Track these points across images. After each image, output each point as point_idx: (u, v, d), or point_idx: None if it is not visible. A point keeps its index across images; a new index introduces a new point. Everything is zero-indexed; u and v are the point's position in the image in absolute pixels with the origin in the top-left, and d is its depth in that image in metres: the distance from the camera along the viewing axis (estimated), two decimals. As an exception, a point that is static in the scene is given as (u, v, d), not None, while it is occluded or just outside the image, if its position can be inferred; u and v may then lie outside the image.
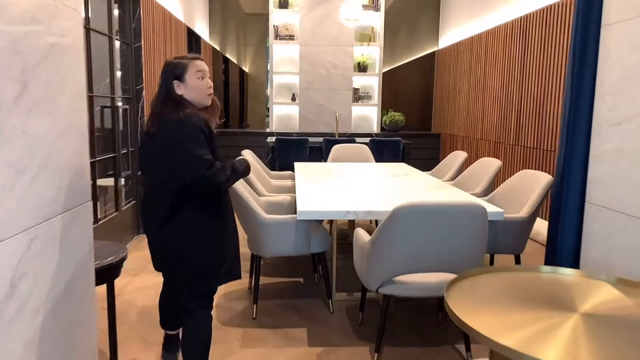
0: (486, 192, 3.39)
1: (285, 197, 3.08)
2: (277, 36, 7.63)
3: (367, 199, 2.66)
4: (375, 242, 2.03)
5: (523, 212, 2.68)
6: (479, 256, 2.06)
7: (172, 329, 2.19)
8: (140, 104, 4.31)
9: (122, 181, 4.07)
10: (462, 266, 2.06)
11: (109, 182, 3.91)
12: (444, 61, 7.67)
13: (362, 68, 7.72)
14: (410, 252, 1.98)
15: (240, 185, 2.54)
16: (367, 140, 5.89)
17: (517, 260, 2.81)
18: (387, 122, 7.72)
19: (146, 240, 2.03)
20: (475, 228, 1.97)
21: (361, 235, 2.23)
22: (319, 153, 5.66)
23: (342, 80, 7.69)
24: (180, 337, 2.06)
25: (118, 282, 3.11)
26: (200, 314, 1.89)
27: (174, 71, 1.83)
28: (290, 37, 7.63)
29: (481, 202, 2.33)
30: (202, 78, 1.85)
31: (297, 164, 4.17)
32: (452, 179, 3.97)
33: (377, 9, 7.65)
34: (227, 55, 9.95)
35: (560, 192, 2.02)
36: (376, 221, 3.79)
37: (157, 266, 2.03)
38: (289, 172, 4.36)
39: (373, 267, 2.06)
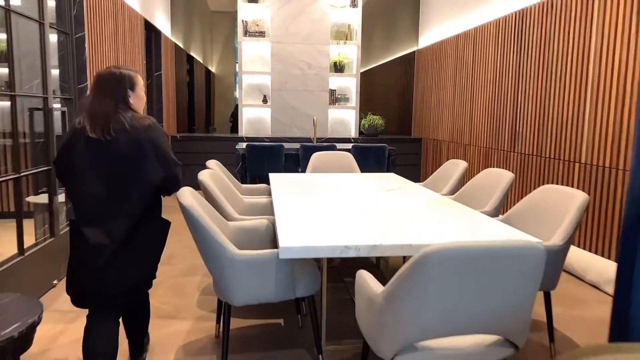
0: (497, 211, 2.89)
1: (260, 222, 2.48)
2: (247, 32, 7.00)
3: (367, 227, 2.09)
4: (392, 296, 1.47)
5: (556, 239, 2.18)
6: (528, 311, 1.52)
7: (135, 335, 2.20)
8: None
9: (60, 198, 3.36)
10: (508, 326, 1.51)
11: (44, 199, 3.21)
12: (424, 61, 7.23)
13: (338, 68, 7.18)
14: (442, 310, 1.42)
15: (199, 209, 1.93)
16: (348, 146, 5.35)
17: (548, 299, 2.31)
18: (366, 126, 7.20)
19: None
20: (528, 274, 1.44)
21: (368, 282, 1.66)
22: (295, 161, 5.07)
23: (318, 80, 7.13)
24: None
25: (46, 334, 2.45)
26: (147, 295, 2.18)
27: (129, 80, 1.93)
28: (261, 34, 7.02)
29: (532, 238, 1.80)
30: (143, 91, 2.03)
31: (272, 176, 3.58)
32: (452, 192, 3.47)
33: (354, 5, 7.13)
34: (192, 54, 9.23)
35: (637, 226, 1.51)
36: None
37: (92, 285, 1.85)
38: (263, 186, 3.76)
39: (388, 330, 1.49)
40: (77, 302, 1.91)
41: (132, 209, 1.83)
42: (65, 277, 1.94)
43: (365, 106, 7.59)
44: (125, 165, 1.82)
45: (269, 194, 3.72)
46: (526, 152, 4.42)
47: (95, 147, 1.80)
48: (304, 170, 4.77)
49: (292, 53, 7.04)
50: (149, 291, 2.19)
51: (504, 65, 4.80)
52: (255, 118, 7.27)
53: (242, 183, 4.93)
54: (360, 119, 7.38)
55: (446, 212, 2.44)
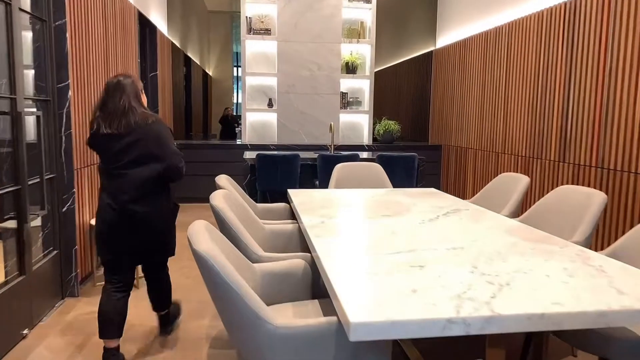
0: (588, 241, 2.30)
1: (295, 264, 1.86)
2: (251, 30, 6.39)
3: (460, 280, 1.48)
4: None
5: None
6: None
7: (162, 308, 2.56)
8: (65, 110, 2.98)
9: (34, 222, 2.72)
10: None
11: (12, 225, 2.57)
12: (443, 61, 6.65)
13: (350, 69, 6.59)
14: None
15: (222, 259, 1.32)
16: (364, 154, 4.74)
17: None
18: (381, 132, 6.61)
19: (78, 305, 2.70)
20: None
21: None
22: (311, 173, 4.46)
23: (328, 82, 6.53)
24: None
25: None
26: (166, 267, 2.51)
27: (138, 83, 2.30)
28: (267, 32, 6.41)
29: None
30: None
31: (292, 194, 2.96)
32: (516, 213, 2.87)
33: (367, 1, 6.55)
34: (189, 55, 8.61)
35: None
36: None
37: (113, 254, 2.24)
38: (282, 206, 3.14)
39: None
40: (106, 263, 2.27)
41: (139, 189, 2.18)
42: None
43: (376, 110, 7.02)
44: (131, 154, 2.15)
45: (291, 216, 3.10)
46: (580, 163, 3.84)
47: (113, 141, 2.15)
48: (321, 183, 4.15)
49: (301, 53, 6.44)
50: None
51: (550, 62, 4.22)
52: (260, 123, 6.66)
53: (251, 197, 4.32)
54: (374, 124, 6.78)
55: (546, 249, 1.83)
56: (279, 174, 4.09)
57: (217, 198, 2.07)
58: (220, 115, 10.41)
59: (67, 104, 2.98)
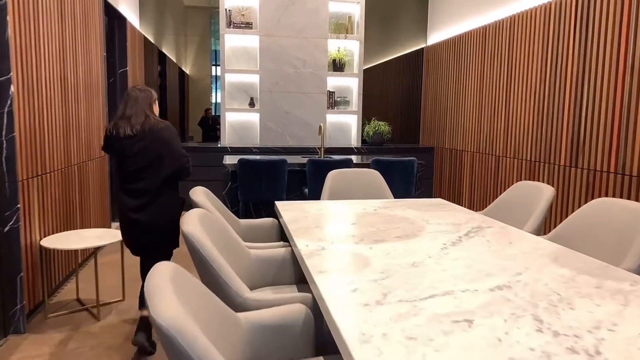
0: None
1: (294, 311, 1.42)
2: (231, 23, 5.92)
3: (526, 340, 1.08)
4: None
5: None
6: None
7: None
8: (7, 109, 2.47)
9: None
10: None
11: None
12: (436, 59, 6.29)
13: (338, 66, 6.17)
14: None
15: (184, 324, 0.87)
16: (353, 157, 4.32)
17: None
18: (371, 133, 6.21)
19: (23, 344, 2.41)
20: None
21: None
22: (299, 180, 4.03)
23: (314, 80, 6.10)
24: None
25: None
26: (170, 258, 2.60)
27: (154, 95, 2.62)
28: (248, 25, 5.95)
29: None
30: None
31: (281, 208, 2.51)
32: (540, 228, 2.48)
33: (356, -7, 6.14)
34: (165, 51, 8.07)
35: None
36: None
37: (133, 240, 2.57)
38: (269, 221, 2.69)
39: None
40: (132, 250, 2.62)
41: (151, 185, 2.47)
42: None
43: (363, 110, 6.62)
44: (145, 156, 2.46)
45: (280, 234, 2.66)
46: (596, 168, 3.49)
47: (131, 143, 2.45)
48: (311, 192, 3.71)
49: (285, 48, 5.99)
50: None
51: (560, 58, 3.87)
52: (241, 124, 6.18)
53: (232, 208, 3.85)
54: (363, 125, 6.38)
55: (616, 288, 1.44)
56: (263, 182, 3.64)
57: (191, 222, 1.61)
58: (200, 117, 9.88)
59: (9, 102, 2.47)
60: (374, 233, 2.05)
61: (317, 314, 1.54)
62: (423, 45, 6.71)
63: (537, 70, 4.16)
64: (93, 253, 3.45)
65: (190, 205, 2.24)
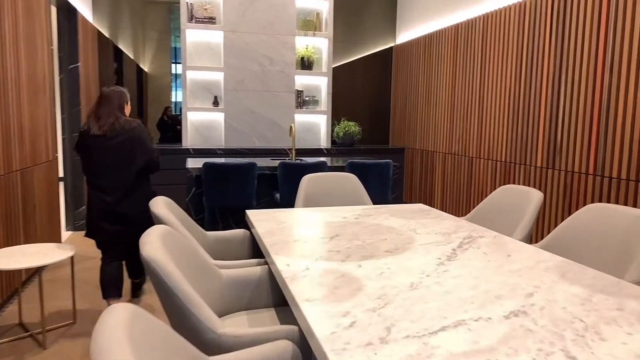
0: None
1: (279, 349, 1.19)
2: (192, 18, 5.59)
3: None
4: None
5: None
6: None
7: (136, 277, 3.10)
8: None
9: None
10: None
11: None
12: (405, 59, 6.18)
13: (306, 64, 5.95)
14: None
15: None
16: (322, 159, 4.12)
17: None
18: (341, 134, 6.02)
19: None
20: None
21: None
22: (269, 185, 3.79)
23: (282, 79, 5.85)
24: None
25: None
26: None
27: (126, 96, 2.88)
28: (211, 20, 5.63)
29: None
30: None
31: (253, 217, 2.28)
32: (529, 236, 2.35)
33: (324, -11, 5.94)
34: (121, 47, 7.60)
35: None
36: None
37: (105, 232, 2.73)
38: (240, 233, 2.44)
39: None
40: (100, 244, 2.81)
41: (126, 180, 2.70)
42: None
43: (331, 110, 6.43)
44: (119, 152, 2.66)
45: (253, 247, 2.42)
46: (574, 170, 3.43)
47: (101, 141, 2.65)
48: (283, 198, 3.48)
49: (250, 45, 5.72)
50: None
51: (535, 57, 3.80)
52: (204, 124, 5.86)
53: (196, 216, 3.57)
54: (332, 125, 6.19)
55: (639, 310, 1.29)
56: (231, 188, 3.37)
57: (152, 243, 1.35)
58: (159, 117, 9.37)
59: None
60: (360, 247, 1.84)
61: (305, 350, 1.32)
62: (392, 44, 6.59)
63: (511, 70, 4.09)
64: (37, 271, 3.09)
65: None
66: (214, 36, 5.71)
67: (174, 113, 10.61)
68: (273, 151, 5.53)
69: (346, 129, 5.99)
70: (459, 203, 4.91)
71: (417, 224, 2.28)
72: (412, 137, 6.00)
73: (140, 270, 3.08)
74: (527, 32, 3.89)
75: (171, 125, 8.81)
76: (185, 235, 1.77)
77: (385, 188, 3.65)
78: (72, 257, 2.59)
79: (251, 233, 2.47)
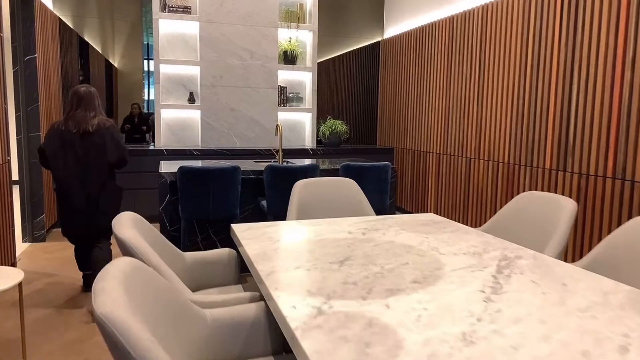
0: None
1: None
2: (166, 7, 5.12)
3: None
4: None
5: None
6: None
7: (88, 269, 3.14)
8: None
9: None
10: None
11: None
12: (394, 53, 5.86)
13: (289, 59, 5.56)
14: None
15: None
16: (307, 160, 3.75)
17: None
18: (327, 133, 5.65)
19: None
20: None
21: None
22: (254, 191, 3.39)
23: (263, 74, 5.45)
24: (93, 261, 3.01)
25: None
26: (107, 244, 3.02)
27: (98, 95, 3.02)
28: (186, 10, 5.18)
29: None
30: None
31: (240, 233, 1.89)
32: (563, 253, 2.03)
33: (308, -22, 5.56)
34: (87, 40, 7.04)
35: None
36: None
37: (83, 228, 2.93)
38: (223, 253, 2.03)
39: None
40: (72, 239, 3.05)
41: (101, 176, 2.91)
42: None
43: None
44: (96, 150, 2.87)
45: (241, 270, 2.03)
46: (589, 173, 3.15)
47: (77, 139, 2.84)
48: (271, 205, 3.09)
49: (229, 37, 5.29)
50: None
51: (543, 51, 3.51)
52: (178, 123, 5.40)
53: (171, 228, 3.14)
54: (318, 124, 5.82)
55: None
56: (211, 196, 2.96)
57: (110, 293, 0.94)
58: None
59: None
60: (380, 276, 1.47)
61: None
62: (379, 39, 6.25)
63: (515, 64, 3.79)
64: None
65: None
66: (189, 27, 5.26)
67: (145, 111, 9.76)
68: (255, 152, 5.12)
69: (333, 127, 5.63)
70: (455, 206, 4.61)
71: (437, 240, 1.92)
72: (402, 136, 5.68)
73: (98, 263, 3.06)
74: (533, 22, 3.60)
75: (137, 125, 7.62)
76: (157, 267, 1.37)
77: (383, 193, 3.30)
78: (19, 284, 2.14)
79: (238, 252, 2.08)
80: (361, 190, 2.67)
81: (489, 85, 4.10)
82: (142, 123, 7.97)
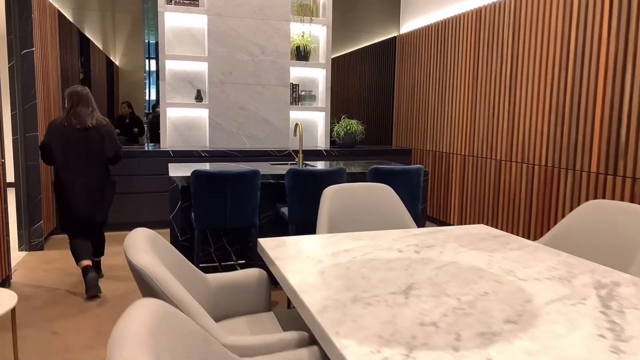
0: None
1: None
2: (172, 0, 4.83)
3: None
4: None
5: None
6: None
7: (88, 257, 3.16)
8: None
9: None
10: None
11: None
12: (411, 49, 5.55)
13: (302, 55, 5.25)
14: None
15: None
16: (319, 164, 3.44)
17: None
18: (342, 133, 5.35)
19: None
20: None
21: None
22: (272, 197, 3.08)
23: (275, 71, 5.15)
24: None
25: None
26: (104, 228, 3.35)
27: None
28: (193, 3, 4.88)
29: None
30: None
31: (272, 251, 1.59)
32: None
33: (322, -30, 5.26)
34: (88, 36, 6.74)
35: None
36: None
37: (86, 217, 3.15)
38: (253, 274, 1.73)
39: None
40: (74, 232, 3.18)
41: (101, 168, 3.15)
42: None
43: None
44: (96, 144, 3.10)
45: (271, 291, 1.72)
46: (639, 176, 2.85)
47: (79, 134, 3.05)
48: (293, 212, 2.78)
49: (239, 31, 4.99)
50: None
51: (587, 41, 3.21)
52: (185, 122, 5.10)
53: (182, 237, 2.84)
54: (331, 123, 5.51)
55: None
56: (229, 203, 2.65)
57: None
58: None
59: None
60: (462, 313, 1.16)
61: None
62: (395, 34, 5.95)
63: (554, 56, 3.49)
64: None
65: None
66: (196, 21, 4.96)
67: (146, 111, 9.19)
68: (266, 153, 4.82)
69: (348, 127, 5.32)
70: (483, 212, 4.31)
71: (506, 260, 1.62)
72: (421, 136, 5.38)
73: (102, 248, 3.37)
74: (576, 11, 3.29)
75: (128, 126, 6.73)
76: (182, 301, 1.07)
77: (414, 199, 3.00)
78: (12, 309, 1.84)
79: (267, 271, 1.78)
80: (398, 197, 2.37)
81: (523, 82, 3.80)
82: (134, 124, 6.89)
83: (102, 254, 3.43)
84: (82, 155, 3.07)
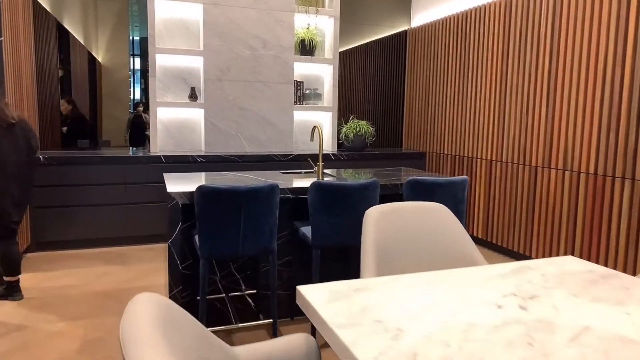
0: None
1: None
2: (162, -16, 4.29)
3: None
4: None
5: None
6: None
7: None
8: None
9: None
10: None
11: None
12: (424, 44, 5.11)
13: (307, 49, 4.77)
14: None
15: None
16: (329, 167, 2.97)
17: None
18: (351, 136, 4.88)
19: None
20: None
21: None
22: (287, 212, 2.59)
23: (277, 66, 4.65)
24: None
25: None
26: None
27: None
28: (186, -11, 4.35)
29: None
30: None
31: (333, 321, 1.13)
32: None
33: (328, -45, 4.78)
34: (68, 28, 6.17)
35: None
36: None
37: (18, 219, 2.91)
38: (297, 342, 1.24)
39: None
40: (10, 231, 2.87)
41: (32, 166, 3.01)
42: None
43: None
44: (23, 140, 2.87)
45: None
46: None
47: (6, 130, 2.80)
48: (317, 232, 2.30)
49: (238, 23, 4.48)
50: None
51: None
52: (177, 124, 4.58)
53: (183, 266, 2.34)
54: (338, 124, 5.04)
55: None
56: (242, 226, 2.15)
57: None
58: (119, 115, 7.83)
59: None
60: None
61: None
62: (406, 27, 5.50)
63: (608, 51, 3.06)
64: None
65: None
66: (191, 11, 4.43)
67: (130, 111, 8.67)
68: (269, 158, 4.33)
69: (357, 129, 4.85)
70: (514, 223, 3.87)
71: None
72: (437, 139, 4.93)
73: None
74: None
75: (70, 127, 5.73)
76: None
77: (459, 215, 2.54)
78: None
79: (313, 332, 1.29)
80: (458, 220, 1.90)
81: (564, 80, 3.37)
82: (78, 125, 5.85)
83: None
84: (14, 152, 2.88)
